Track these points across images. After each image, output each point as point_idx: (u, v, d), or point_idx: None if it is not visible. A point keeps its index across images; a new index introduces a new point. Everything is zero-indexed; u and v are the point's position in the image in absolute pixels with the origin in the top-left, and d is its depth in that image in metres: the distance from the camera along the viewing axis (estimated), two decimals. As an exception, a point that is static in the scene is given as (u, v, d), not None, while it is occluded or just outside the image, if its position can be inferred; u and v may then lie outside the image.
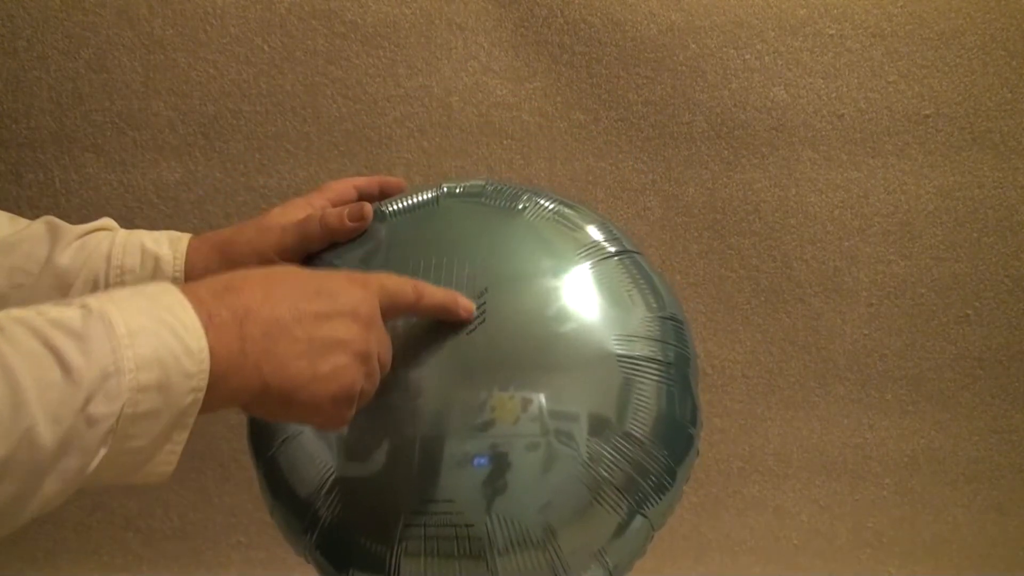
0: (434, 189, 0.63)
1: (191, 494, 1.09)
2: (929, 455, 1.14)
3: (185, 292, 0.44)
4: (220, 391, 0.43)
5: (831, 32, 1.03)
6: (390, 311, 0.52)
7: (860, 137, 1.06)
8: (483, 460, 0.52)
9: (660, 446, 0.54)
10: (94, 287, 0.61)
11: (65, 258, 0.60)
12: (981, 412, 1.14)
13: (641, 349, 0.55)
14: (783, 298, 1.10)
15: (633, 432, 0.53)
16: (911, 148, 1.06)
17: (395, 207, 0.63)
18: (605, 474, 0.52)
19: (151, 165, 1.02)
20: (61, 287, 0.60)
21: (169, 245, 0.63)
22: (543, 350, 0.54)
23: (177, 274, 0.62)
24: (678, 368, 0.56)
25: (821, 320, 1.10)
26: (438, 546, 0.52)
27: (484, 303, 0.56)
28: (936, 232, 1.09)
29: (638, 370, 0.54)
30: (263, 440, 0.59)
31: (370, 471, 0.54)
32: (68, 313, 0.40)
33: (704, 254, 1.08)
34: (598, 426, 0.53)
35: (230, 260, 0.62)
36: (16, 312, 0.39)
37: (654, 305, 0.58)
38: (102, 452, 0.39)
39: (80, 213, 1.02)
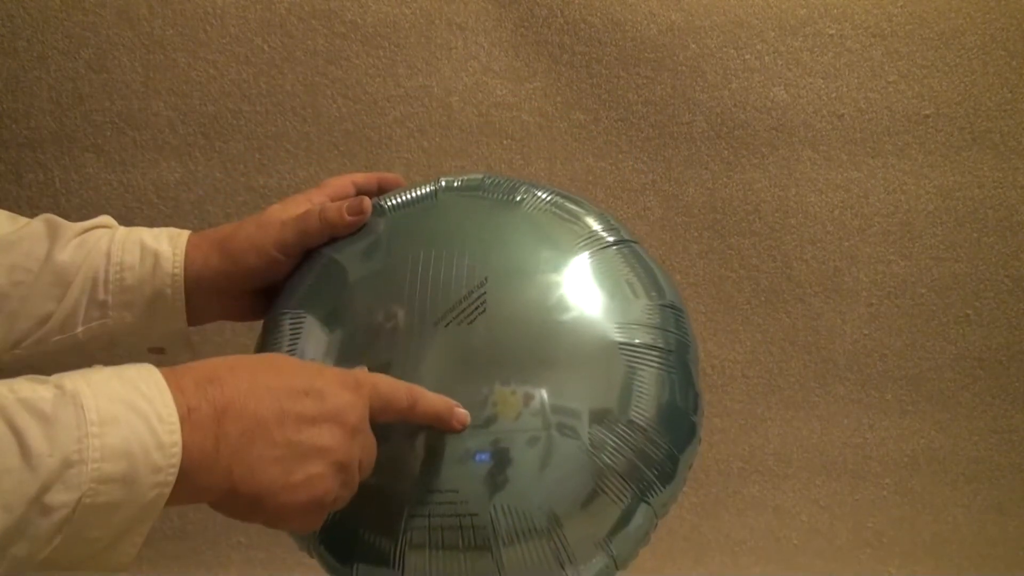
0: (432, 183, 0.63)
1: (191, 494, 1.09)
2: (929, 455, 1.14)
3: (168, 379, 0.42)
4: (187, 488, 0.42)
5: (831, 32, 1.03)
6: (381, 416, 0.50)
7: (860, 137, 1.06)
8: (485, 456, 0.52)
9: (663, 433, 0.54)
10: (94, 284, 0.61)
11: (65, 255, 0.60)
12: (981, 412, 1.14)
13: (642, 337, 0.55)
14: (783, 298, 1.10)
15: (636, 420, 0.53)
16: (911, 148, 1.06)
17: (394, 201, 0.63)
18: (608, 461, 0.52)
19: (151, 165, 1.02)
20: (61, 284, 0.60)
21: (169, 242, 0.63)
22: (543, 341, 0.54)
23: (176, 270, 0.62)
24: (679, 356, 0.57)
25: (821, 320, 1.10)
26: (443, 537, 0.52)
27: (484, 292, 0.56)
28: (936, 232, 1.09)
29: (639, 358, 0.55)
30: None
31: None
32: (41, 392, 0.39)
33: (704, 254, 1.08)
34: (600, 415, 0.53)
35: (229, 256, 0.62)
36: None
37: (653, 293, 0.58)
38: (56, 541, 0.38)
39: (80, 213, 1.02)
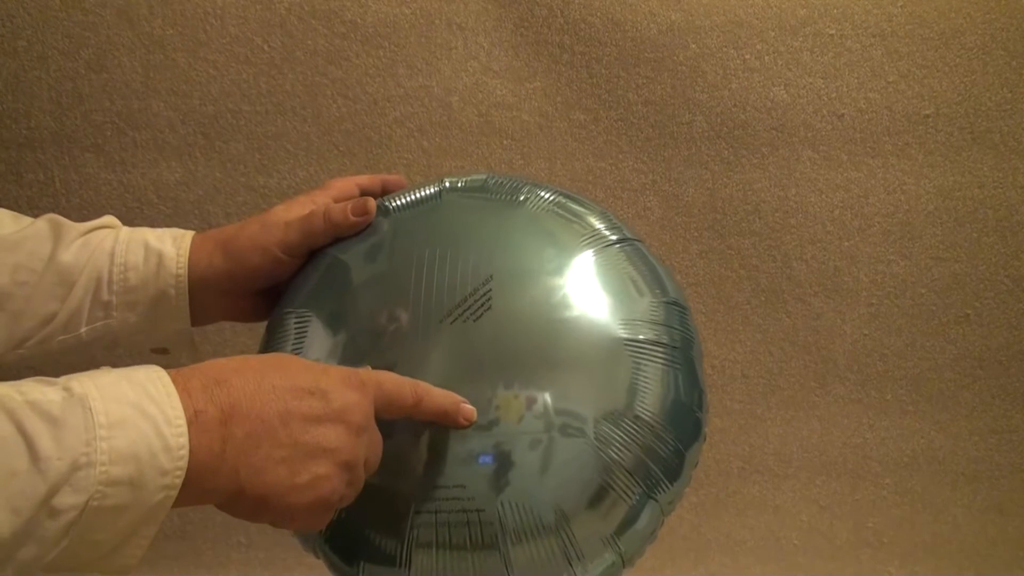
0: (436, 183, 0.63)
1: (191, 494, 1.09)
2: (929, 455, 1.14)
3: (175, 381, 0.42)
4: (193, 490, 0.42)
5: (831, 32, 1.03)
6: (386, 413, 0.50)
7: (860, 137, 1.06)
8: (488, 458, 0.52)
9: (669, 428, 0.54)
10: (98, 284, 0.61)
11: (68, 255, 0.60)
12: (981, 412, 1.14)
13: (646, 333, 0.56)
14: (783, 298, 1.10)
15: (642, 415, 0.54)
16: (911, 148, 1.06)
17: (398, 202, 0.63)
18: (616, 457, 0.53)
19: (151, 165, 1.02)
20: (65, 284, 0.60)
21: (172, 242, 0.63)
22: (548, 341, 0.54)
23: (180, 270, 0.62)
24: (683, 352, 0.57)
25: (821, 320, 1.10)
26: (450, 534, 0.52)
27: (490, 290, 0.56)
28: (936, 232, 1.09)
29: (644, 354, 0.55)
30: None
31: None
32: (49, 395, 0.39)
33: (704, 254, 1.08)
34: (607, 411, 0.53)
35: (233, 256, 0.62)
36: None
37: (657, 291, 0.58)
38: (63, 544, 0.38)
39: (80, 213, 1.02)
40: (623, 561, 0.54)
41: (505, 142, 1.04)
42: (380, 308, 0.57)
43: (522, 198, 0.61)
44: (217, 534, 1.10)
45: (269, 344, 0.60)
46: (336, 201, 0.64)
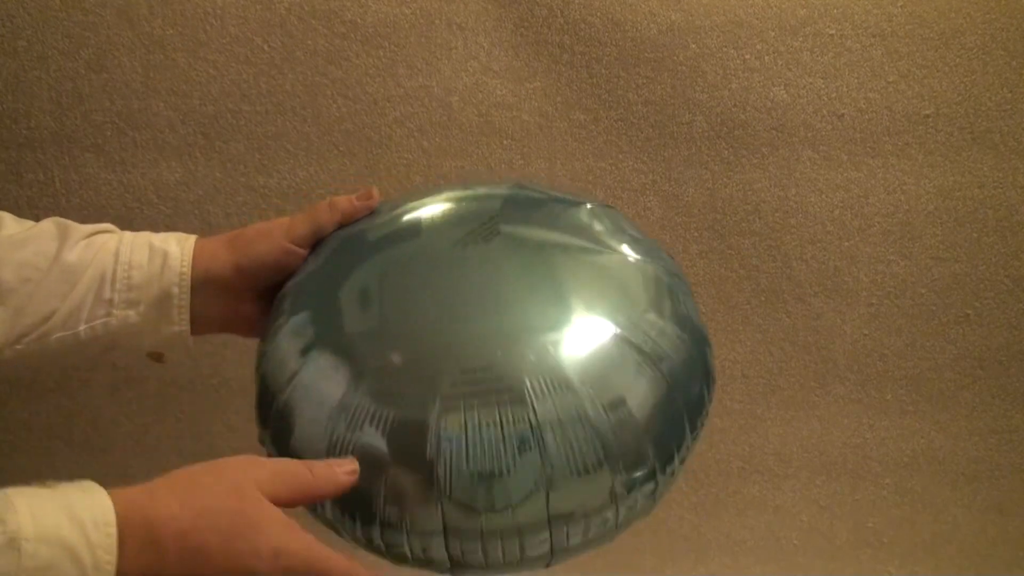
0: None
1: (191, 494, 1.09)
2: (929, 455, 1.14)
3: (121, 524, 0.43)
4: None
5: (831, 32, 1.03)
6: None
7: (860, 137, 1.06)
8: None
9: (687, 334, 0.58)
10: (101, 282, 0.61)
11: (73, 255, 0.61)
12: (981, 412, 1.14)
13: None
14: (783, 298, 1.10)
15: (664, 316, 0.57)
16: (911, 148, 1.06)
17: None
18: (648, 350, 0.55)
19: (151, 165, 1.02)
20: (68, 282, 0.61)
21: (176, 243, 0.63)
22: (563, 263, 0.58)
23: (184, 268, 0.62)
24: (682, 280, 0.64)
25: (821, 320, 1.10)
26: (479, 417, 0.51)
27: (497, 218, 0.60)
28: (936, 232, 1.09)
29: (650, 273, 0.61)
30: (269, 395, 0.58)
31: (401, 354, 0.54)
32: None
33: (704, 254, 1.08)
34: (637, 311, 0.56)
35: (239, 248, 0.63)
36: None
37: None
38: None
39: (80, 213, 1.02)
40: (656, 481, 0.55)
41: (505, 142, 1.04)
42: (390, 242, 0.60)
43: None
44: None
45: (269, 318, 0.61)
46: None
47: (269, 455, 0.58)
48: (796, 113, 1.05)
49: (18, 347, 0.60)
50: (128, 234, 0.64)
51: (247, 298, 0.65)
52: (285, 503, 0.49)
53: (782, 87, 1.04)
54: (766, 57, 1.03)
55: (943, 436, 1.14)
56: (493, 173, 1.05)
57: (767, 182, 1.06)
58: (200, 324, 0.64)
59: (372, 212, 0.64)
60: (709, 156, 1.06)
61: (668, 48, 1.02)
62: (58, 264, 0.61)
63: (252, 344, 0.64)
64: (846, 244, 1.08)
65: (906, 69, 1.04)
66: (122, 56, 0.99)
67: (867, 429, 1.14)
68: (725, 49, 1.03)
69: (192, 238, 0.64)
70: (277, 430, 0.57)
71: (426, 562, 0.54)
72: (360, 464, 0.51)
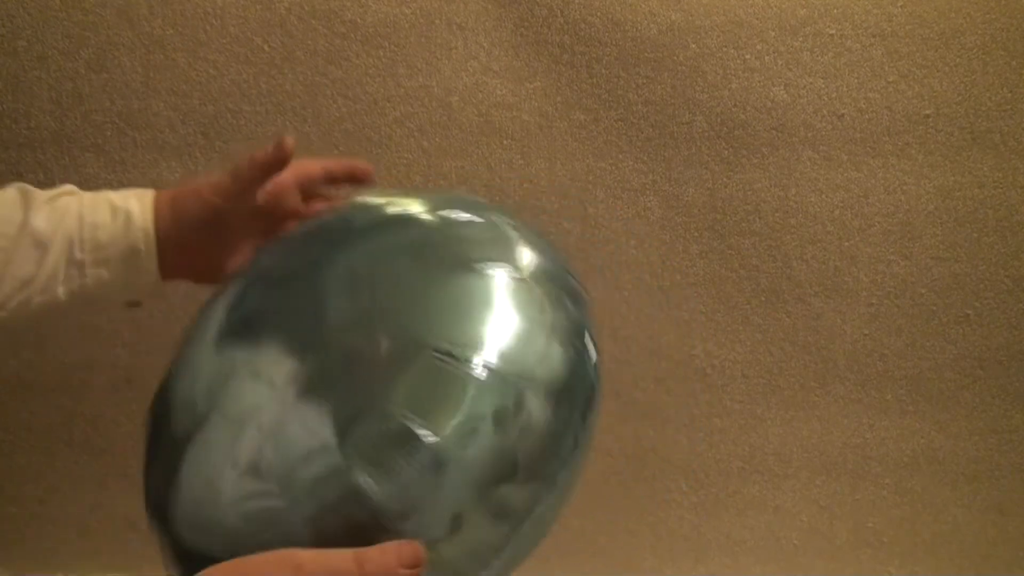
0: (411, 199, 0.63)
1: (191, 494, 1.09)
2: (929, 455, 1.14)
3: None
4: None
5: (831, 32, 1.03)
6: None
7: (860, 137, 1.06)
8: None
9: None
10: (70, 245, 0.63)
11: (40, 220, 0.63)
12: (981, 412, 1.14)
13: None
14: (783, 298, 1.10)
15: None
16: (911, 148, 1.06)
17: (368, 203, 0.63)
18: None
19: (151, 165, 1.02)
20: (39, 247, 0.63)
21: (137, 200, 0.66)
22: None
23: (147, 224, 0.65)
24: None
25: (821, 320, 1.10)
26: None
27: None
28: (936, 232, 1.09)
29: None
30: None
31: None
32: None
33: (704, 254, 1.08)
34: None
35: (176, 206, 0.66)
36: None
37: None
38: None
39: (80, 213, 1.02)
40: None
41: (505, 142, 1.04)
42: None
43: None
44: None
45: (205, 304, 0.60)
46: (298, 179, 0.68)
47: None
48: (796, 113, 1.05)
49: (2, 314, 0.62)
50: (87, 194, 0.66)
51: (195, 250, 0.67)
52: None
53: (782, 87, 1.04)
54: (766, 57, 1.03)
55: (943, 436, 1.14)
56: (493, 173, 1.05)
57: (767, 182, 1.06)
58: (167, 272, 0.66)
59: (334, 211, 0.64)
60: (709, 156, 1.06)
61: (668, 48, 1.02)
62: (27, 230, 0.62)
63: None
64: (846, 244, 1.08)
65: (906, 69, 1.04)
66: (122, 56, 0.99)
67: (867, 429, 1.14)
68: (725, 49, 1.03)
69: (150, 194, 0.66)
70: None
71: None
72: None
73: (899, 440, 1.14)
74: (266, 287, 0.58)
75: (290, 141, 0.64)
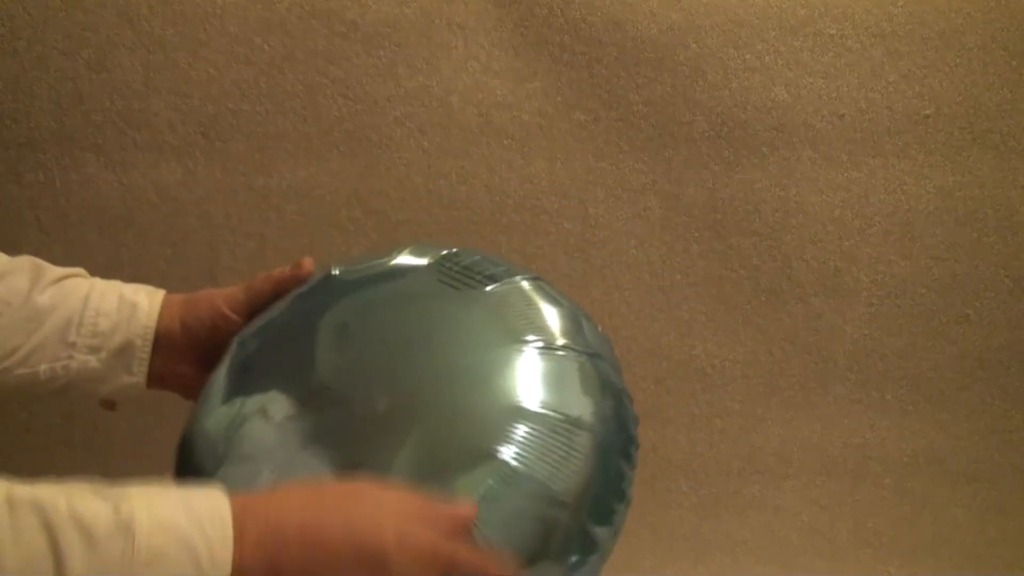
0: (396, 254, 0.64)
1: (191, 494, 1.09)
2: (929, 455, 1.14)
3: (236, 518, 0.41)
4: None
5: (831, 32, 1.03)
6: None
7: (860, 137, 1.06)
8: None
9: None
10: (67, 325, 0.62)
11: (44, 297, 0.62)
12: (981, 412, 1.14)
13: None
14: (783, 298, 1.10)
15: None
16: (911, 148, 1.06)
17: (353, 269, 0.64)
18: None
19: (151, 165, 1.02)
20: (35, 321, 0.62)
21: (146, 295, 0.65)
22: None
23: (150, 322, 0.64)
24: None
25: (821, 320, 1.10)
26: None
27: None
28: (936, 232, 1.09)
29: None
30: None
31: None
32: (97, 510, 0.38)
33: (704, 254, 1.08)
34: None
35: (189, 307, 0.65)
36: (44, 492, 0.38)
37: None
38: None
39: (80, 213, 1.02)
40: None
41: (505, 142, 1.04)
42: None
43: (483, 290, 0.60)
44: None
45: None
46: (250, 291, 0.66)
47: None
48: (796, 113, 1.05)
49: None
50: (100, 281, 0.66)
51: (188, 359, 0.66)
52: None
53: (782, 87, 1.04)
54: (766, 57, 1.03)
55: (943, 436, 1.14)
56: (493, 173, 1.05)
57: (767, 182, 1.06)
58: (154, 378, 0.65)
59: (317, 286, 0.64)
60: (709, 156, 1.06)
61: (668, 48, 1.02)
62: (29, 303, 0.62)
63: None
64: (846, 244, 1.08)
65: (906, 69, 1.04)
66: (122, 56, 0.99)
67: (867, 429, 1.14)
68: (725, 49, 1.03)
69: (161, 293, 0.66)
70: None
71: None
72: None
73: (899, 440, 1.14)
74: (270, 339, 0.61)
75: (309, 263, 0.64)
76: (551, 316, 0.59)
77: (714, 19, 1.02)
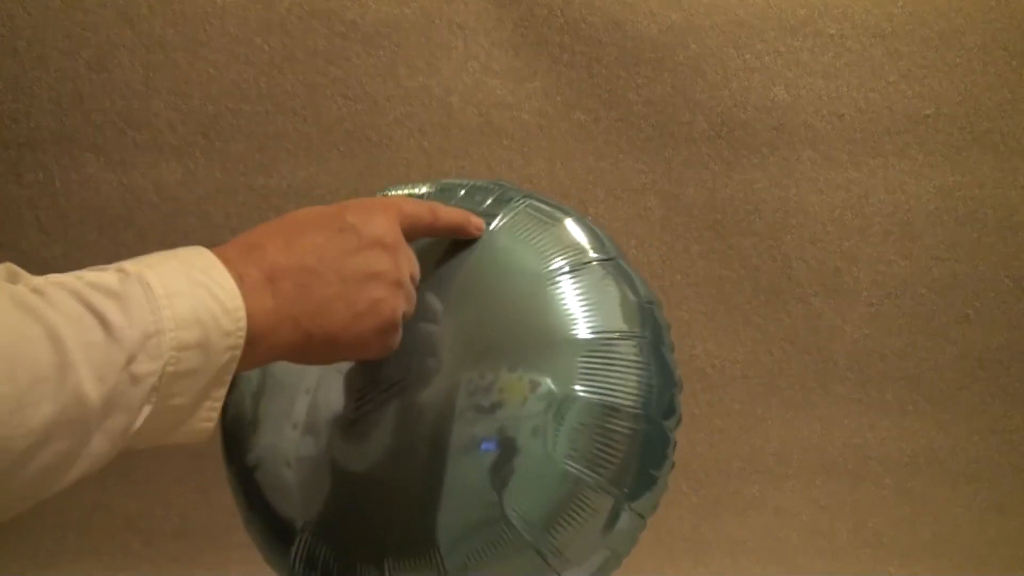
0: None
1: (191, 494, 1.09)
2: (929, 455, 1.14)
3: (216, 253, 0.45)
4: (258, 348, 0.44)
5: (831, 32, 1.03)
6: (410, 233, 0.53)
7: (860, 137, 1.06)
8: (491, 445, 0.52)
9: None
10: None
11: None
12: (981, 412, 1.13)
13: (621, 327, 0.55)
14: (783, 298, 1.10)
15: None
16: (911, 148, 1.06)
17: None
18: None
19: (151, 165, 1.02)
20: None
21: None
22: (537, 323, 0.54)
23: None
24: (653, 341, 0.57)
25: (821, 320, 1.10)
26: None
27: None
28: (936, 232, 1.09)
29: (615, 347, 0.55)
30: (238, 445, 0.59)
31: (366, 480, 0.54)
32: (105, 276, 0.41)
33: (704, 254, 1.08)
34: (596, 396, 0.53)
35: None
36: (54, 277, 0.40)
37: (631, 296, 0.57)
38: (146, 410, 0.41)
39: (80, 213, 1.02)
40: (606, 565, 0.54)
41: (505, 142, 1.04)
42: None
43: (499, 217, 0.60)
44: (217, 534, 1.09)
45: None
46: None
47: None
48: (796, 113, 1.05)
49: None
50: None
51: None
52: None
53: (782, 87, 1.04)
54: (766, 57, 1.03)
55: (943, 436, 1.14)
56: (493, 173, 1.05)
57: (767, 182, 1.06)
58: None
59: None
60: (709, 156, 1.06)
61: (668, 48, 1.02)
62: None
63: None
64: (846, 244, 1.08)
65: (906, 69, 1.04)
66: (122, 56, 0.99)
67: (867, 429, 1.13)
68: (725, 49, 1.03)
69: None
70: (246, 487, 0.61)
71: None
72: None
73: (899, 440, 1.14)
74: None
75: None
76: (563, 234, 0.59)
77: (714, 19, 1.02)
